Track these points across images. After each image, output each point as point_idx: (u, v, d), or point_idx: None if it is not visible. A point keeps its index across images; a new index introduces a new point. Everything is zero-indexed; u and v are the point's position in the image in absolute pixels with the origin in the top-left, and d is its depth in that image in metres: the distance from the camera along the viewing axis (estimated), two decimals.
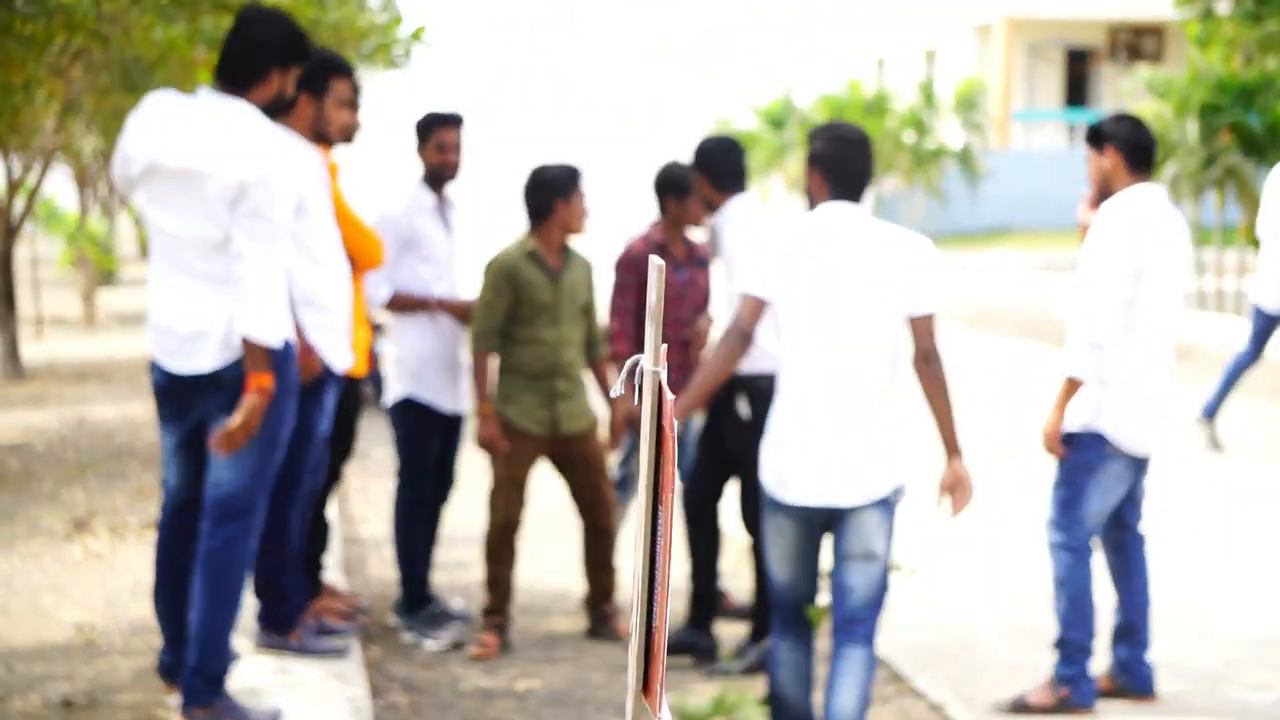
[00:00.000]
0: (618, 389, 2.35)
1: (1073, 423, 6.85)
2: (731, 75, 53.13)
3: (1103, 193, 7.01)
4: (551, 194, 7.73)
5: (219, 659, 5.95)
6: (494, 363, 7.75)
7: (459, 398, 8.05)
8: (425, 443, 8.02)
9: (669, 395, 2.29)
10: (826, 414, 5.92)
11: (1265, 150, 24.82)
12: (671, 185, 8.19)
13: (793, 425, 5.95)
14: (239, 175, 5.77)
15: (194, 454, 6.06)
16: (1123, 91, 30.17)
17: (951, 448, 6.01)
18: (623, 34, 60.10)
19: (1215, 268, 25.67)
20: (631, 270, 8.12)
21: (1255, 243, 24.66)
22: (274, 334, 5.81)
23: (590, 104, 61.79)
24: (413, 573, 8.03)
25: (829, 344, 5.94)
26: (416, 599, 8.02)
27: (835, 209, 6.02)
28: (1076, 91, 42.77)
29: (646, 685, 2.37)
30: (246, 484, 5.90)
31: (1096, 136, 6.99)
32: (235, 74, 6.00)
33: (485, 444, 7.70)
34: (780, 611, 6.17)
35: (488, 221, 30.95)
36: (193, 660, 5.93)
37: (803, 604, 6.11)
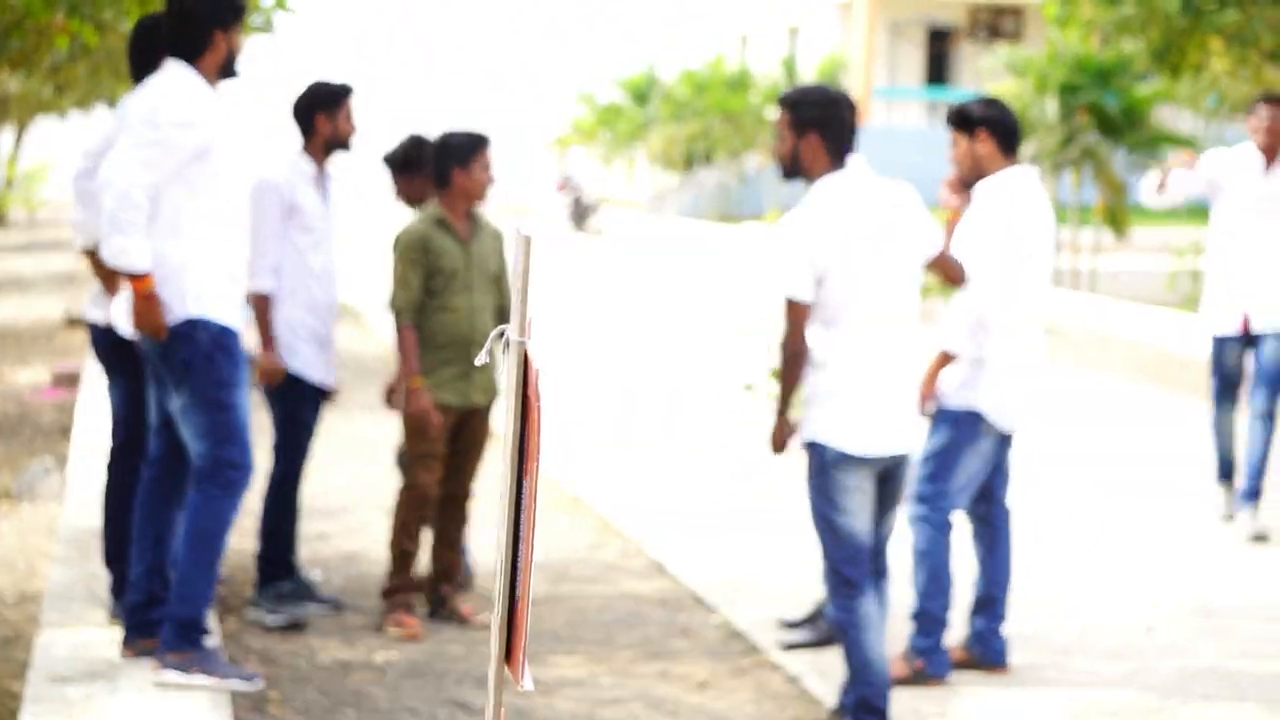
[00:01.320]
0: (481, 358, 2.34)
1: (952, 399, 6.92)
2: (595, 47, 53.10)
3: (972, 175, 7.08)
4: (449, 162, 7.67)
5: (190, 607, 6.39)
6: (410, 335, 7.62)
7: (330, 370, 7.97)
8: (299, 415, 7.93)
9: (535, 366, 2.29)
10: (887, 368, 6.23)
11: (1121, 130, 25.15)
12: (397, 163, 8.18)
13: (858, 381, 6.19)
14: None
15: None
16: (982, 70, 30.43)
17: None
18: (487, 3, 59.82)
19: (1072, 246, 25.98)
20: None
21: (1112, 222, 25.02)
22: (126, 258, 6.23)
23: (455, 73, 61.46)
24: (274, 547, 7.95)
25: (882, 306, 6.20)
26: (275, 574, 7.94)
27: (852, 175, 6.23)
28: (937, 70, 43.11)
29: (509, 655, 2.37)
30: (203, 448, 6.41)
31: (965, 120, 7.06)
32: (182, 47, 6.35)
33: (417, 418, 7.60)
34: (860, 567, 6.30)
35: (363, 192, 30.74)
36: (171, 610, 6.43)
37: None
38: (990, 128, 7.04)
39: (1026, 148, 24.82)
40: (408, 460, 7.75)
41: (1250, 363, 9.94)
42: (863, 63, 39.14)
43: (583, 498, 10.63)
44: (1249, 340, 9.80)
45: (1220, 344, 9.87)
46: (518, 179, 48.65)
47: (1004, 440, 7.12)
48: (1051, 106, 25.16)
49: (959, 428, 6.94)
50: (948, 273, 6.66)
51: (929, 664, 7.00)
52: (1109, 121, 24.98)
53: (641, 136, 42.23)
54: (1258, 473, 9.84)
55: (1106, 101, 25.03)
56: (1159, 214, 29.85)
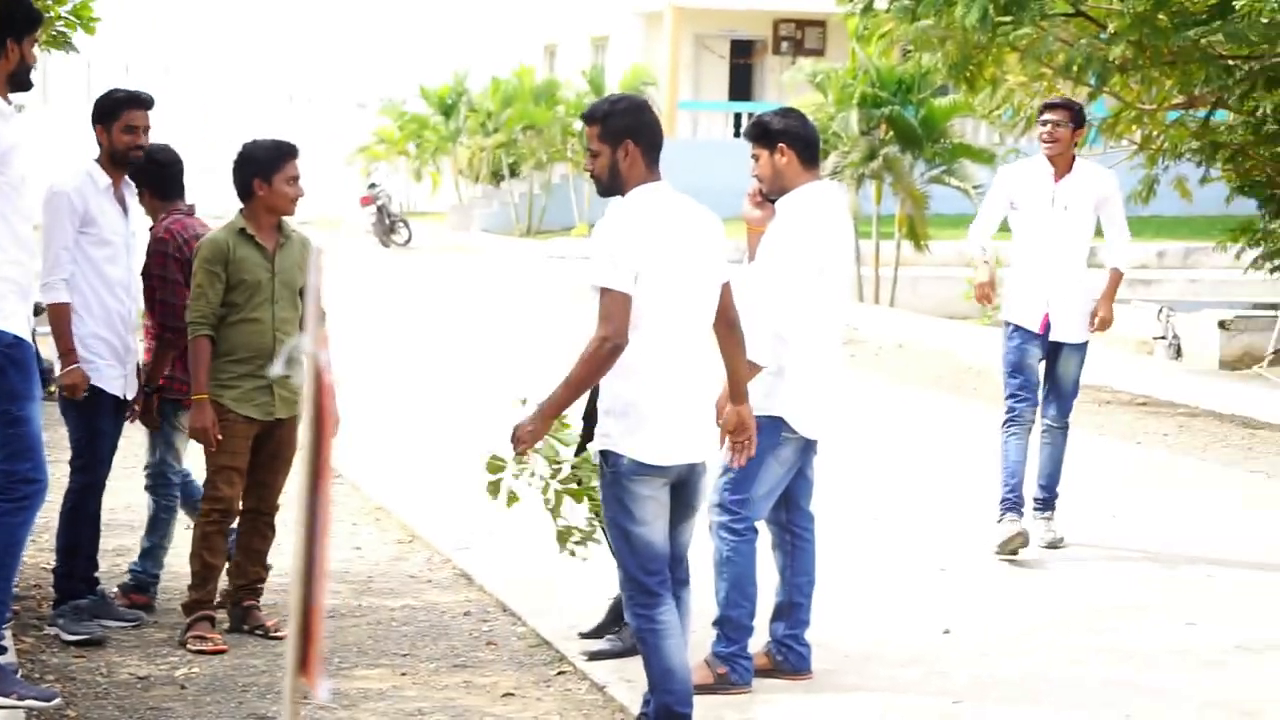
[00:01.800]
0: (275, 370, 2.34)
1: (758, 411, 6.98)
2: (399, 57, 52.82)
3: (773, 188, 7.14)
4: (250, 173, 7.58)
5: None
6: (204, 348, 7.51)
7: (130, 383, 7.85)
8: (98, 427, 7.80)
9: (328, 376, 2.29)
10: (684, 378, 6.23)
11: (921, 143, 25.53)
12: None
13: (653, 391, 6.17)
14: None
15: None
16: (786, 84, 30.72)
17: (741, 397, 6.42)
18: (292, 9, 59.20)
19: (874, 259, 26.32)
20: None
21: (912, 235, 25.38)
22: None
23: (258, 80, 60.74)
24: (72, 562, 7.81)
25: (682, 318, 6.21)
26: (74, 590, 7.80)
27: (664, 187, 6.26)
28: (742, 83, 43.44)
29: (305, 666, 2.37)
30: None
31: (765, 134, 7.12)
32: None
33: (198, 432, 7.51)
34: (657, 575, 6.29)
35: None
36: None
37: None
38: (790, 140, 7.10)
39: (829, 160, 25.12)
40: (208, 473, 7.67)
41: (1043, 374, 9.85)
42: (668, 75, 39.34)
43: (388, 508, 10.58)
44: (1045, 345, 9.70)
45: (1021, 338, 9.69)
46: (324, 192, 48.24)
47: (806, 448, 7.20)
48: (853, 119, 25.48)
49: (761, 435, 7.01)
50: (728, 300, 6.38)
51: (732, 671, 7.06)
52: (908, 134, 25.35)
53: (448, 149, 42.06)
54: (1053, 481, 9.88)
55: (906, 114, 25.41)
56: (956, 225, 30.34)
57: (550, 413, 6.26)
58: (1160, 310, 23.07)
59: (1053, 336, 9.68)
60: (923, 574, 9.18)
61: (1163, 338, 22.59)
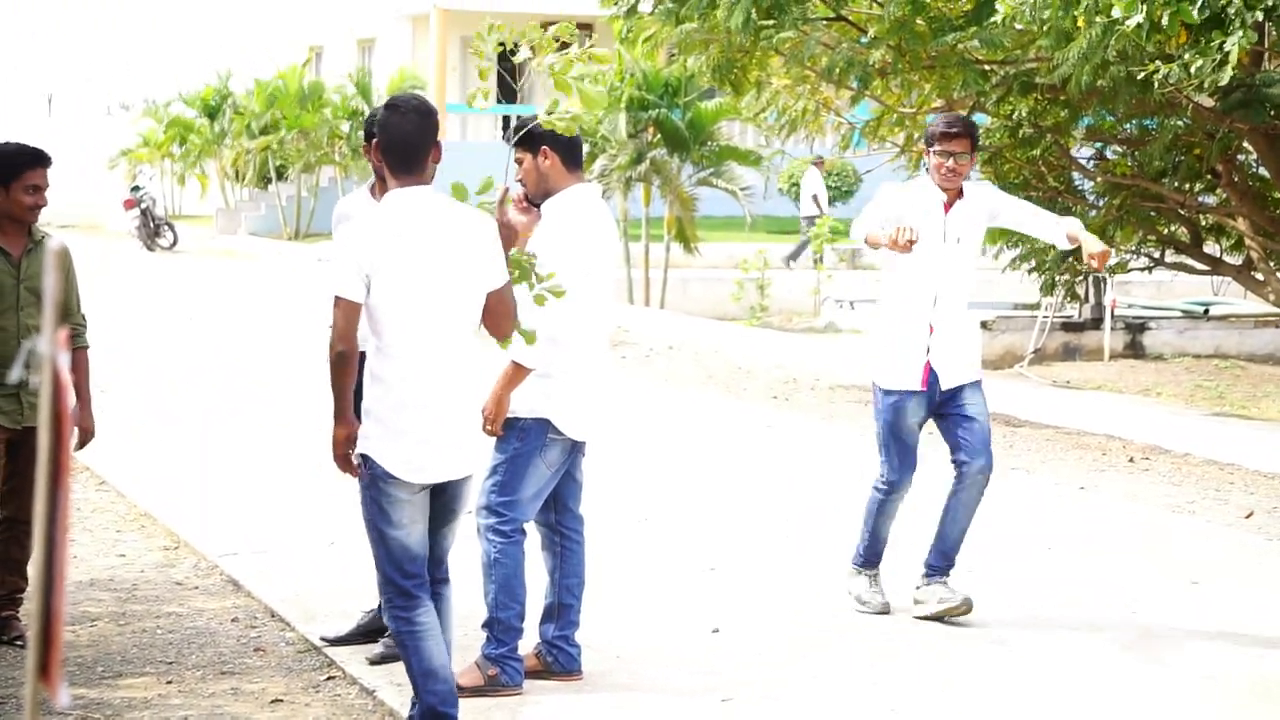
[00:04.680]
0: (15, 374, 2.29)
1: (519, 409, 6.98)
2: (163, 59, 51.98)
3: (538, 192, 7.15)
4: None
5: None
6: None
7: None
8: None
9: (66, 379, 2.24)
10: (445, 389, 6.17)
11: (688, 145, 25.72)
12: None
13: (414, 403, 6.11)
14: None
15: None
16: (551, 88, 30.77)
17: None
18: (51, 11, 58.01)
19: (643, 261, 26.45)
20: None
21: (681, 237, 25.56)
22: None
23: (15, 83, 59.43)
24: None
25: (442, 326, 6.15)
26: None
27: (425, 191, 6.21)
28: (508, 86, 43.43)
29: (45, 671, 2.32)
30: None
31: (529, 138, 7.13)
32: None
33: None
34: (414, 578, 6.24)
35: None
36: None
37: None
38: (553, 144, 7.12)
39: (597, 163, 25.22)
40: None
41: (941, 424, 8.43)
42: (435, 78, 39.19)
43: (154, 514, 10.42)
44: (930, 402, 8.33)
45: (900, 401, 8.30)
46: (87, 195, 47.34)
47: (574, 449, 7.22)
48: (622, 122, 25.58)
49: (528, 437, 7.01)
50: (502, 309, 6.33)
51: (503, 672, 7.06)
52: (676, 137, 25.53)
53: (213, 151, 41.50)
54: (958, 542, 8.50)
55: (673, 117, 25.59)
56: (725, 228, 30.61)
57: (337, 417, 6.18)
58: None
59: (945, 385, 8.29)
60: (692, 574, 9.24)
61: None
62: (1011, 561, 9.64)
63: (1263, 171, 16.63)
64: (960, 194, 8.35)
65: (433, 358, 6.14)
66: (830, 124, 17.67)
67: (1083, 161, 17.32)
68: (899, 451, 8.40)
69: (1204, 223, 17.48)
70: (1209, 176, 16.40)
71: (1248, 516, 11.12)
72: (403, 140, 6.19)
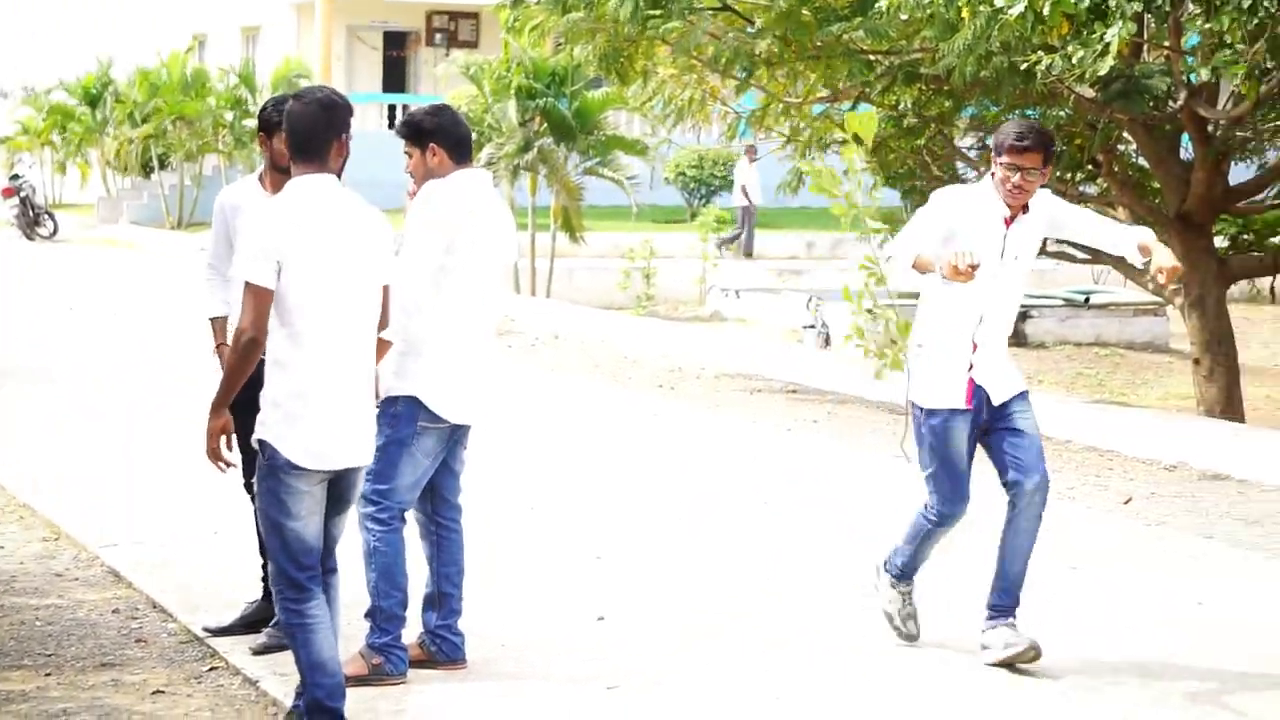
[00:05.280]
0: None
1: (392, 386, 6.95)
2: (41, 45, 51.33)
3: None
4: None
5: None
6: None
7: None
8: None
9: None
10: (346, 378, 6.20)
11: (575, 135, 25.70)
12: None
13: (316, 390, 6.11)
14: None
15: None
16: (439, 76, 30.64)
17: None
18: None
19: (529, 250, 26.40)
20: None
21: (567, 226, 25.54)
22: None
23: None
24: None
25: (345, 315, 6.18)
26: None
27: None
28: (395, 75, 43.23)
29: None
30: None
31: (416, 132, 7.10)
32: None
33: None
34: (308, 570, 6.21)
35: None
36: None
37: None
38: (441, 140, 7.10)
39: (484, 152, 25.14)
40: None
41: (987, 444, 7.57)
42: (321, 67, 38.92)
43: (33, 505, 10.29)
44: (978, 419, 7.51)
45: (945, 422, 7.47)
46: None
47: (453, 437, 7.18)
48: (511, 111, 25.53)
49: (400, 424, 6.98)
50: (385, 301, 6.42)
51: (387, 661, 7.02)
52: (563, 126, 25.50)
53: (95, 140, 41.04)
54: (1022, 576, 7.60)
55: (560, 106, 25.55)
56: (612, 217, 30.63)
57: (216, 407, 6.15)
58: (809, 300, 23.61)
59: (996, 399, 7.49)
60: (579, 562, 9.24)
61: (812, 326, 23.10)
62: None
63: (1142, 162, 16.81)
64: (1025, 208, 7.45)
65: (338, 345, 6.16)
66: (716, 114, 17.71)
67: (966, 151, 17.45)
68: (949, 479, 7.51)
69: None
70: (1090, 166, 16.56)
71: (1126, 502, 11.25)
72: (306, 129, 6.24)
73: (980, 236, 7.32)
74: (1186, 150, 16.26)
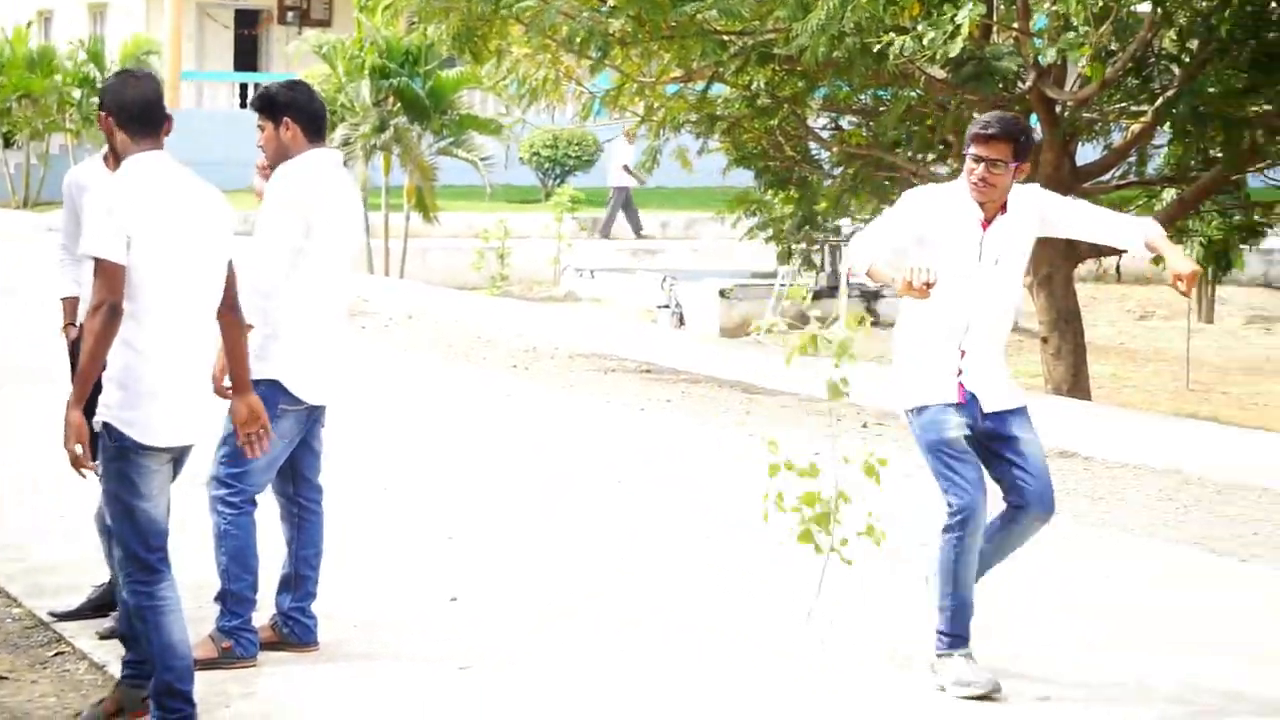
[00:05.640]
0: None
1: (252, 374, 6.86)
2: None
3: (279, 161, 7.07)
4: None
5: None
6: None
7: None
8: None
9: None
10: (190, 356, 6.13)
11: (429, 114, 25.58)
12: None
13: (160, 368, 6.02)
14: None
15: None
16: (291, 55, 30.37)
17: (245, 387, 6.33)
18: None
19: (383, 231, 26.26)
20: None
21: (421, 206, 25.43)
22: None
23: None
24: None
25: (190, 293, 6.10)
26: None
27: (164, 158, 6.15)
28: (247, 54, 42.80)
29: None
30: None
31: (271, 106, 7.04)
32: None
33: None
34: (158, 551, 6.11)
35: None
36: None
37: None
38: (296, 114, 7.05)
39: (338, 132, 24.96)
40: None
41: (986, 461, 6.96)
42: (170, 45, 38.45)
43: None
44: (972, 417, 6.90)
45: (937, 413, 6.85)
46: None
47: (310, 418, 7.13)
48: (365, 90, 25.37)
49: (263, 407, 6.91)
50: (231, 278, 6.30)
51: (237, 644, 6.95)
52: (416, 106, 25.38)
53: None
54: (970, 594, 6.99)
55: (414, 86, 25.42)
56: (466, 197, 30.52)
57: (77, 393, 6.00)
58: (664, 279, 23.69)
59: (988, 407, 6.91)
60: (431, 543, 9.20)
61: (666, 306, 23.18)
62: (745, 530, 9.74)
63: None
64: (1004, 208, 6.86)
65: (185, 322, 6.09)
66: (571, 93, 17.70)
67: (819, 131, 17.56)
68: (958, 467, 6.81)
69: None
70: (941, 147, 16.72)
71: None
72: (144, 105, 6.17)
73: (954, 240, 6.81)
74: (1036, 131, 16.45)
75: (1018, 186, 6.93)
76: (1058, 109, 15.62)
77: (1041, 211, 7.00)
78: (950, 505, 6.80)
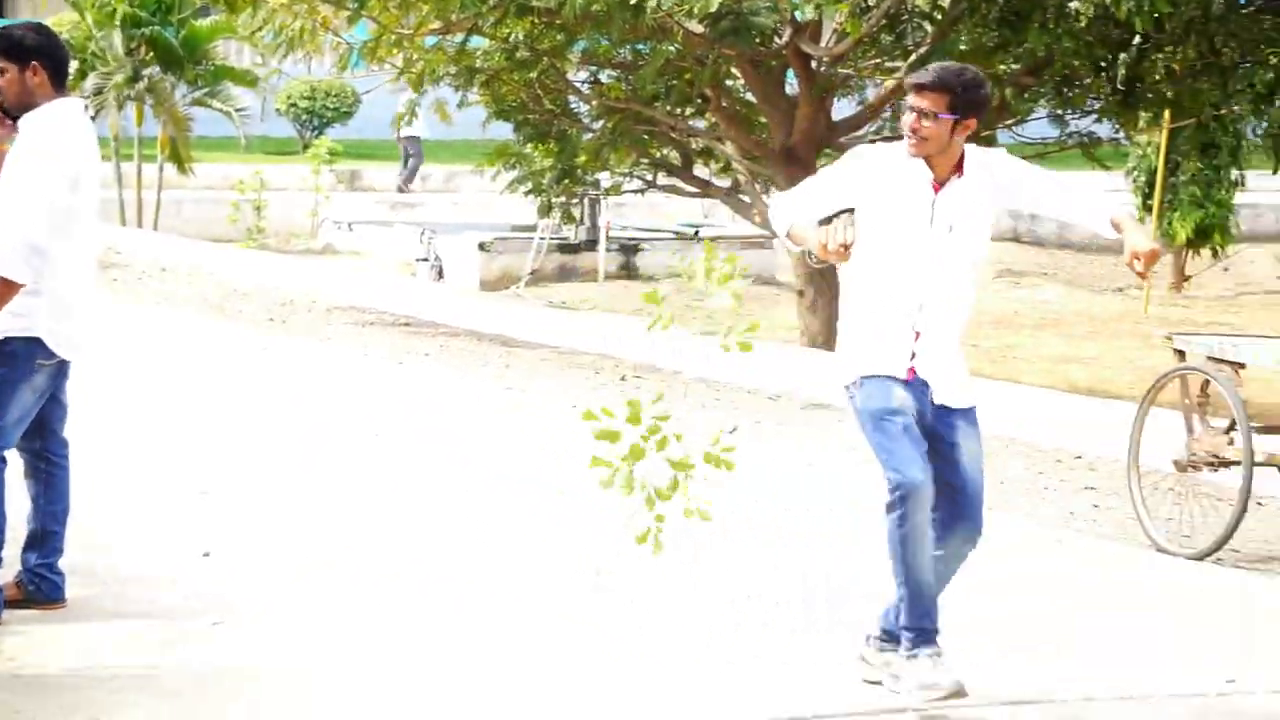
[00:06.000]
0: None
1: (9, 327, 6.70)
2: None
3: (19, 105, 6.89)
4: None
5: None
6: None
7: None
8: None
9: None
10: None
11: (183, 64, 25.13)
12: None
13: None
14: None
15: None
16: (39, 1, 29.65)
17: None
18: None
19: (135, 182, 25.78)
20: None
21: (175, 158, 25.00)
22: None
23: None
24: None
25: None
26: None
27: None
28: None
29: None
30: None
31: (18, 50, 6.88)
32: None
33: None
34: None
35: None
36: None
37: None
38: (44, 59, 6.89)
39: (89, 81, 24.44)
40: None
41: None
42: None
43: None
44: (920, 399, 6.26)
45: (882, 383, 6.22)
46: None
47: (59, 372, 6.98)
48: (117, 39, 24.85)
49: (16, 362, 6.75)
50: None
51: None
52: (170, 55, 24.92)
53: None
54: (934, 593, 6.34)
55: (167, 35, 24.96)
56: (221, 149, 30.07)
57: None
58: (423, 232, 23.57)
59: (939, 397, 6.29)
60: (183, 497, 9.06)
61: (425, 259, 23.08)
62: (505, 483, 9.75)
63: (750, 97, 17.14)
64: (959, 168, 6.28)
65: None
66: (328, 44, 17.50)
67: (578, 85, 17.57)
68: (900, 438, 6.16)
69: (695, 146, 17.95)
70: (699, 101, 16.83)
71: (731, 431, 11.48)
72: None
73: (903, 202, 6.23)
74: (792, 86, 16.63)
75: (977, 149, 6.39)
76: (814, 65, 15.80)
77: (1003, 178, 6.37)
78: (889, 480, 6.15)
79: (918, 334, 6.24)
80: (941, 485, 6.19)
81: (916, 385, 6.23)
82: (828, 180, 6.40)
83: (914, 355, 6.24)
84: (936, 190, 6.24)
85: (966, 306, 6.37)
